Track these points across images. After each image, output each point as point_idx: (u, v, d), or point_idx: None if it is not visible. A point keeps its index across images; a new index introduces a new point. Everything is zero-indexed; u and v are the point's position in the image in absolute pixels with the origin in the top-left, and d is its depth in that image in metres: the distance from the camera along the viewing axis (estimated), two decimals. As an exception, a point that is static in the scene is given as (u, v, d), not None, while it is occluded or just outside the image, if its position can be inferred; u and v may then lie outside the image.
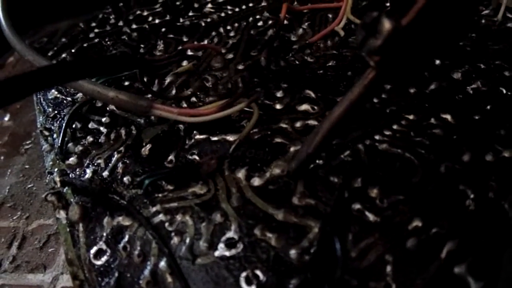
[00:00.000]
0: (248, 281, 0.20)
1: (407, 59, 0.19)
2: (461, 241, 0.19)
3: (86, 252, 0.23)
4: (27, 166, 0.35)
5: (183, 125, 0.28)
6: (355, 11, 0.35)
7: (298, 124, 0.26)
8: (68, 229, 0.24)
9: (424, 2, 0.18)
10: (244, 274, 0.20)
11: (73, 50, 0.41)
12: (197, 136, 0.27)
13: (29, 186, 0.33)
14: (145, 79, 0.32)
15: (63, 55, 0.40)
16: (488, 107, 0.25)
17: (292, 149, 0.25)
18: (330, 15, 0.36)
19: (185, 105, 0.30)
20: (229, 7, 0.41)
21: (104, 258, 0.22)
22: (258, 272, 0.20)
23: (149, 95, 0.31)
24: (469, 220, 0.20)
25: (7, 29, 0.32)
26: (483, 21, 0.32)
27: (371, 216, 0.21)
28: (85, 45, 0.41)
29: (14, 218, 0.31)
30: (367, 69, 0.19)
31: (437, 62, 0.29)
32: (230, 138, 0.26)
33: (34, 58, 0.29)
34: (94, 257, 0.23)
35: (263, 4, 0.40)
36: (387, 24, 0.17)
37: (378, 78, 0.19)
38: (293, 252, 0.20)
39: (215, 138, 0.27)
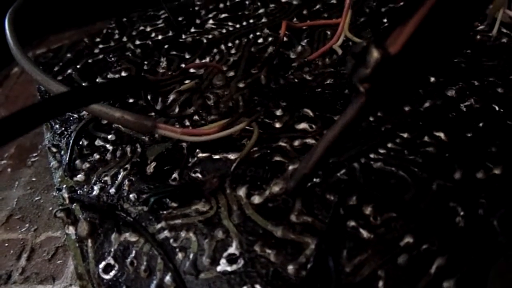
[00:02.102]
0: (249, 296, 0.21)
1: (398, 85, 0.20)
2: (451, 257, 0.20)
3: (95, 267, 0.24)
4: (34, 179, 0.36)
5: (186, 143, 0.29)
6: (353, 28, 0.36)
7: (296, 143, 0.27)
8: (77, 244, 0.25)
9: (414, 27, 0.19)
10: (244, 288, 0.21)
11: (78, 66, 0.42)
12: (200, 154, 0.28)
13: (37, 198, 0.34)
14: (148, 97, 0.33)
15: (69, 71, 0.41)
16: (481, 124, 0.26)
17: (290, 167, 0.26)
18: (328, 32, 0.37)
19: (187, 123, 0.31)
20: (230, 23, 0.42)
21: (112, 273, 0.23)
22: (258, 287, 0.21)
23: (153, 113, 0.32)
24: (458, 237, 0.21)
25: (15, 48, 0.33)
26: (478, 36, 0.33)
27: (365, 233, 0.22)
28: (90, 61, 0.42)
29: (23, 230, 0.32)
30: (358, 94, 0.20)
31: (432, 79, 0.30)
32: (231, 156, 0.27)
33: (42, 78, 0.30)
34: (103, 271, 0.24)
35: (264, 20, 0.41)
36: (375, 54, 0.18)
37: (368, 103, 0.20)
38: (290, 268, 0.21)
39: (217, 156, 0.28)
